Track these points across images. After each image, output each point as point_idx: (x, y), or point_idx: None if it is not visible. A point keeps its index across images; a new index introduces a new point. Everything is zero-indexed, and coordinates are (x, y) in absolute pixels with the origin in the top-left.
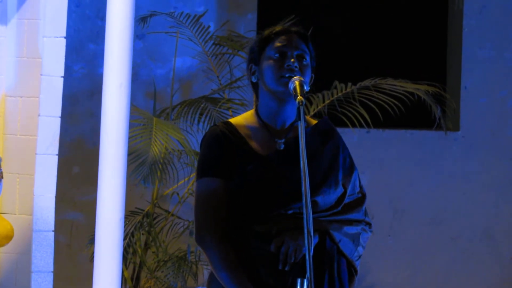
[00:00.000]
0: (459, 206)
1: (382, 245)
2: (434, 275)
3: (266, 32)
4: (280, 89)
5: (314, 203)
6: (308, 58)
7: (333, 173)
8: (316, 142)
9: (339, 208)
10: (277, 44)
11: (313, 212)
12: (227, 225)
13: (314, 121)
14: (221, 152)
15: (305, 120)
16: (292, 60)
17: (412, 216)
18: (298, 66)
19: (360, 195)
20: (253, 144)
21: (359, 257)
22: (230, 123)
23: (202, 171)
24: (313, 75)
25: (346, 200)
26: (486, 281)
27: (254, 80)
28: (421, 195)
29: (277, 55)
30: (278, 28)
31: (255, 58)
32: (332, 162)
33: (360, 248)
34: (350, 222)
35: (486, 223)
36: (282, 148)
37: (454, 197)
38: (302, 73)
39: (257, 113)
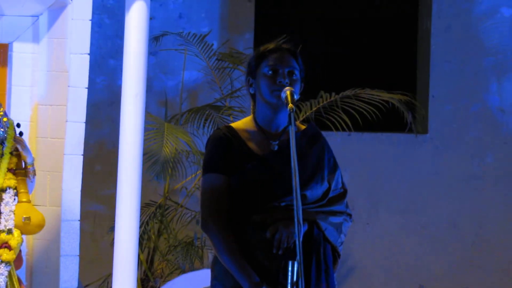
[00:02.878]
0: (428, 199)
1: (361, 233)
2: (406, 258)
3: (261, 49)
4: (273, 101)
5: (303, 197)
6: (297, 73)
7: (320, 171)
8: (305, 144)
9: (325, 201)
10: (270, 62)
11: (302, 204)
12: (229, 215)
13: (303, 126)
14: (224, 151)
15: (295, 125)
16: (283, 77)
17: (387, 207)
18: (288, 81)
19: (342, 190)
20: (251, 145)
21: (342, 243)
22: (231, 127)
23: (207, 168)
24: (302, 84)
25: (331, 195)
26: (451, 263)
27: (251, 92)
28: (395, 189)
29: (270, 72)
30: (271, 46)
31: (252, 72)
32: (318, 162)
33: (342, 236)
34: (334, 213)
35: (451, 213)
36: (276, 149)
37: (423, 190)
38: (292, 86)
39: (254, 119)
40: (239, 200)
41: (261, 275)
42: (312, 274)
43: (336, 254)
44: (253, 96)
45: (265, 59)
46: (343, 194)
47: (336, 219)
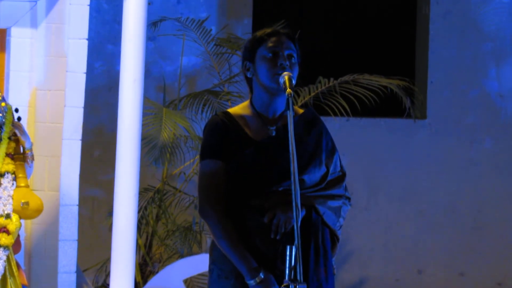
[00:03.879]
0: (426, 184)
1: (360, 218)
2: (404, 244)
3: (259, 33)
4: (273, 85)
5: (301, 181)
6: (296, 56)
7: (318, 155)
8: (303, 128)
9: (323, 185)
10: (270, 44)
11: (301, 189)
12: (226, 200)
13: (301, 111)
14: (221, 137)
15: (293, 109)
16: (283, 59)
17: (385, 192)
18: (288, 64)
19: (340, 173)
20: (248, 131)
21: (340, 227)
22: (228, 113)
23: (204, 154)
24: (298, 69)
25: (329, 178)
26: (449, 248)
27: (249, 76)
28: (393, 174)
29: (270, 54)
30: (269, 30)
31: (249, 56)
32: (316, 146)
33: (341, 219)
34: (333, 197)
35: (450, 199)
36: (273, 134)
37: (421, 176)
38: (291, 70)
39: (251, 104)
40: (236, 185)
41: (259, 260)
42: (310, 258)
43: (335, 238)
44: (250, 81)
45: (263, 43)
46: (341, 178)
47: (334, 203)
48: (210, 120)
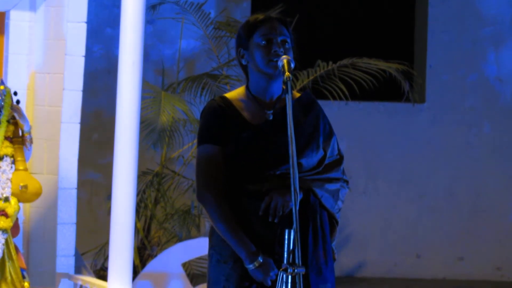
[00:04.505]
0: (424, 168)
1: (359, 202)
2: (403, 228)
3: (251, 20)
4: (270, 71)
5: (299, 164)
6: (289, 41)
7: (315, 138)
8: (300, 112)
9: (320, 168)
10: (263, 32)
11: (299, 172)
12: (224, 184)
13: (298, 94)
14: (218, 122)
15: (291, 93)
16: (278, 46)
17: (384, 176)
18: (283, 50)
19: (338, 156)
20: (246, 115)
21: (339, 210)
22: (225, 98)
23: (202, 138)
24: (293, 53)
25: (326, 161)
26: (448, 232)
27: (244, 63)
28: (392, 158)
29: (264, 42)
30: (261, 16)
31: (243, 43)
32: (313, 129)
33: (339, 202)
34: (330, 180)
35: (448, 183)
36: (271, 118)
37: (420, 160)
38: (286, 55)
39: (248, 88)
40: (234, 169)
41: (257, 244)
42: (309, 242)
43: (334, 221)
44: (245, 67)
45: (257, 30)
46: (339, 161)
47: (332, 186)
48: (207, 105)
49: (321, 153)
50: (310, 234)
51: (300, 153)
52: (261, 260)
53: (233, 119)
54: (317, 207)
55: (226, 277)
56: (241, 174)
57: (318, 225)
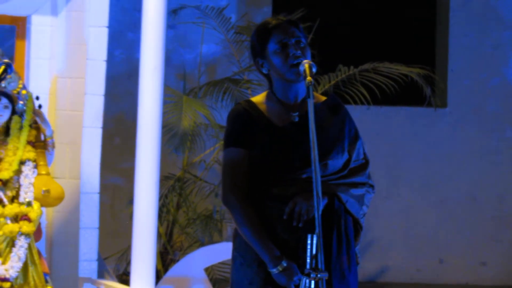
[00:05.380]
0: (446, 173)
1: (380, 207)
2: (425, 233)
3: (261, 28)
4: (292, 76)
5: (324, 167)
6: (303, 40)
7: (340, 141)
8: (326, 115)
9: (345, 172)
10: (276, 38)
11: (323, 176)
12: (249, 188)
13: (323, 97)
14: (244, 125)
15: (315, 97)
16: (294, 48)
17: (406, 181)
18: (299, 51)
19: (364, 161)
20: (271, 118)
21: (364, 215)
22: (251, 101)
23: (228, 142)
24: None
25: (352, 165)
26: (470, 237)
27: (265, 72)
28: (413, 163)
29: (279, 48)
30: (271, 23)
31: (259, 53)
32: (339, 132)
33: (364, 207)
34: (356, 185)
35: (470, 188)
36: (296, 120)
37: (442, 164)
38: (304, 55)
39: (272, 92)
40: (259, 173)
41: (280, 249)
42: (333, 247)
43: (358, 227)
44: (267, 76)
45: (270, 37)
46: (364, 165)
47: (357, 191)
48: (233, 109)
49: (346, 156)
50: (334, 239)
51: (325, 156)
52: (285, 265)
53: (259, 122)
54: (342, 212)
55: (249, 281)
56: (266, 178)
57: (342, 230)
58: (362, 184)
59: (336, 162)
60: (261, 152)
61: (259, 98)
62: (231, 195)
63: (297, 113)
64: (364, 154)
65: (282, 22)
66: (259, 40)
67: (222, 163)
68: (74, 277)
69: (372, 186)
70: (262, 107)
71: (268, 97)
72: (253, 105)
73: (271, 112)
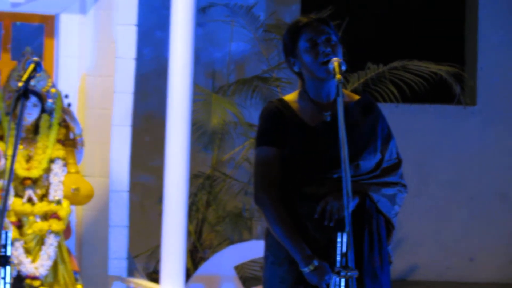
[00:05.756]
0: (476, 171)
1: (410, 205)
2: (455, 231)
3: (292, 27)
4: (323, 75)
5: (356, 167)
6: (334, 37)
7: (373, 141)
8: (358, 114)
9: (378, 172)
10: (306, 37)
11: (355, 175)
12: (281, 187)
13: (356, 96)
14: (275, 124)
15: (346, 95)
16: (324, 45)
17: (435, 179)
18: (330, 49)
19: (396, 160)
20: (303, 117)
21: (396, 214)
22: (283, 100)
23: (259, 141)
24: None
25: (384, 165)
26: (501, 234)
27: (296, 70)
28: (443, 161)
29: (310, 46)
30: (301, 21)
31: (290, 52)
32: (372, 132)
33: (396, 207)
34: (388, 184)
35: (500, 185)
36: (328, 119)
37: (471, 162)
38: (334, 53)
39: (305, 91)
40: (291, 171)
41: (312, 248)
42: (364, 246)
43: (390, 226)
44: (299, 74)
45: (300, 36)
46: (397, 165)
47: (389, 191)
48: (265, 107)
49: (378, 156)
50: (365, 239)
51: (357, 155)
52: (316, 264)
53: (291, 121)
54: (374, 211)
55: (281, 279)
56: (298, 177)
57: (374, 230)
58: (394, 184)
59: (368, 163)
60: (292, 151)
61: (291, 97)
62: (263, 194)
63: (329, 113)
64: (397, 153)
65: (312, 20)
66: (290, 38)
67: (254, 162)
68: (104, 275)
69: (404, 186)
70: (295, 106)
71: (300, 96)
72: (285, 103)
73: (303, 111)
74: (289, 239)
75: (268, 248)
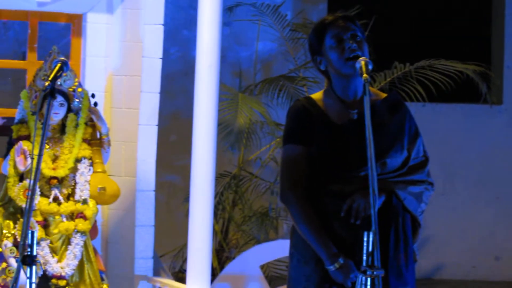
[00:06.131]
0: (503, 169)
1: (436, 204)
2: (480, 230)
3: (318, 26)
4: (349, 70)
5: (383, 165)
6: (360, 34)
7: (400, 139)
8: (385, 112)
9: (404, 170)
10: (332, 34)
11: (382, 174)
12: (307, 185)
13: (383, 94)
14: (303, 122)
15: (374, 93)
16: (350, 41)
17: (462, 178)
18: (355, 44)
19: (423, 158)
20: (330, 115)
21: (422, 212)
22: (310, 98)
23: (286, 139)
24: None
25: (411, 163)
26: None
27: (322, 69)
28: (469, 160)
29: (335, 43)
30: (327, 19)
31: (316, 50)
32: (399, 130)
33: (423, 205)
34: (414, 182)
35: None
36: (355, 117)
37: (498, 161)
38: (360, 49)
39: (331, 89)
40: (317, 169)
41: (337, 246)
42: (390, 244)
43: (416, 224)
44: (325, 73)
45: (326, 33)
46: (424, 163)
47: (416, 188)
48: (293, 105)
49: (405, 154)
50: (391, 236)
51: (384, 154)
52: (342, 262)
53: (318, 119)
54: (400, 209)
55: (306, 278)
56: (324, 174)
57: (400, 228)
58: (421, 182)
59: (395, 161)
60: (319, 150)
61: (318, 95)
62: (289, 192)
63: (356, 111)
64: (424, 151)
65: (338, 18)
66: (316, 37)
67: (280, 160)
68: (130, 275)
69: (431, 184)
70: (321, 104)
71: (327, 94)
72: (312, 102)
73: (330, 109)
74: (314, 237)
75: (293, 246)
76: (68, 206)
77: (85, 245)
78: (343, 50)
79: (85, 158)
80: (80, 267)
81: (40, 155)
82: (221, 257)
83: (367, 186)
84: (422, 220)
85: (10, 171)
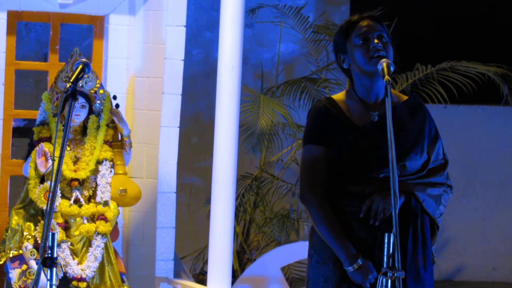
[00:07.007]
0: None
1: (457, 206)
2: (502, 231)
3: (344, 24)
4: (372, 68)
5: (402, 167)
6: (386, 35)
7: (420, 142)
8: (406, 115)
9: (424, 172)
10: (358, 32)
11: (402, 176)
12: (327, 186)
13: (404, 97)
14: (323, 123)
15: (395, 95)
16: (375, 41)
17: (483, 180)
18: (381, 44)
19: (443, 161)
20: (351, 116)
21: (441, 215)
22: (332, 99)
23: (307, 139)
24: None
25: (430, 166)
26: None
27: (346, 67)
28: (490, 161)
29: (361, 41)
30: (353, 18)
31: (341, 48)
32: (419, 133)
33: (441, 207)
34: (433, 185)
35: None
36: (376, 119)
37: None
38: (385, 49)
39: (353, 90)
40: (337, 170)
41: (356, 247)
42: (408, 245)
43: (435, 226)
44: (347, 71)
45: (352, 32)
46: (443, 165)
47: (435, 191)
48: (313, 106)
49: (425, 157)
50: (410, 238)
51: (404, 156)
52: (361, 263)
53: (338, 120)
54: (419, 211)
55: (325, 278)
56: (344, 175)
57: (419, 229)
58: (440, 184)
59: (414, 163)
60: (339, 151)
61: (340, 96)
62: (309, 193)
63: (376, 113)
64: (444, 154)
65: (364, 17)
66: (341, 34)
67: (300, 160)
68: (151, 277)
69: (450, 187)
70: (343, 105)
71: (349, 95)
72: (333, 102)
73: (351, 110)
74: (334, 238)
75: (312, 247)
76: (89, 208)
77: (106, 247)
78: (368, 49)
79: (106, 160)
80: (101, 269)
81: (61, 157)
82: (242, 259)
83: (386, 188)
84: (440, 223)
85: (31, 173)
